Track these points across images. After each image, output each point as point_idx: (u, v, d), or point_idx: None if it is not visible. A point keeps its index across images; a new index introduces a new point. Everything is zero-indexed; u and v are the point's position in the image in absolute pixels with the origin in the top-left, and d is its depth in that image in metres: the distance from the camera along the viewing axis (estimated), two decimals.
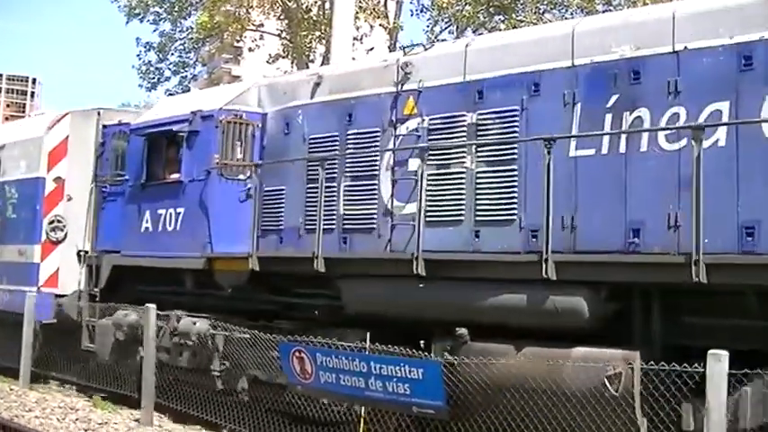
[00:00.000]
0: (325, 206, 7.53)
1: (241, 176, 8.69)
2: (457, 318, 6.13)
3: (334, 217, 7.60)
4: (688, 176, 5.14)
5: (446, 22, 21.15)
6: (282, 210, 8.14)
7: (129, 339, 9.23)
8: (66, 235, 11.10)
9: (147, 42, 23.46)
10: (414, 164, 6.99)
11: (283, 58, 23.03)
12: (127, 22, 23.34)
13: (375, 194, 7.30)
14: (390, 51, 19.00)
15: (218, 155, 8.53)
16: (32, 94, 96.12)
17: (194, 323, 8.25)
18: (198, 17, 22.11)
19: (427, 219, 6.76)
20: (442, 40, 20.24)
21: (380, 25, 21.41)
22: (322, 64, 19.54)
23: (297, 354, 6.80)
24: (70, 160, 11.22)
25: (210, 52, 25.04)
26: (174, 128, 8.85)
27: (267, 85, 8.95)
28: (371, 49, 21.31)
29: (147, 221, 9.27)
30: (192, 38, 23.26)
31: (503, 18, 19.45)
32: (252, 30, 22.88)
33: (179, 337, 8.43)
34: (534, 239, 6.03)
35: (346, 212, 7.50)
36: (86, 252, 10.76)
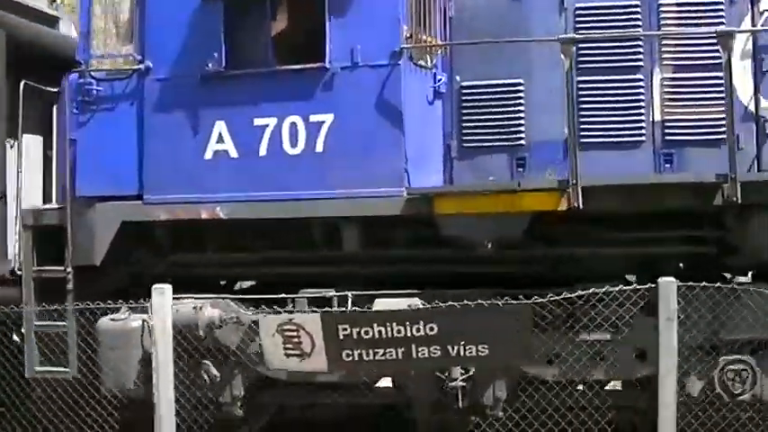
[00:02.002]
0: (618, 108, 6.98)
1: (422, 62, 7.37)
2: None
3: (638, 124, 7.01)
4: None
5: None
6: (522, 116, 7.18)
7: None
8: None
9: None
10: None
11: None
12: None
13: (722, 91, 6.90)
14: None
15: (408, 26, 7.11)
16: None
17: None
18: None
19: None
20: None
21: None
22: None
23: None
24: None
25: None
26: None
27: None
28: None
29: (221, 140, 7.25)
30: None
31: None
32: None
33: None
34: None
35: (668, 118, 6.97)
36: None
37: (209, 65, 7.24)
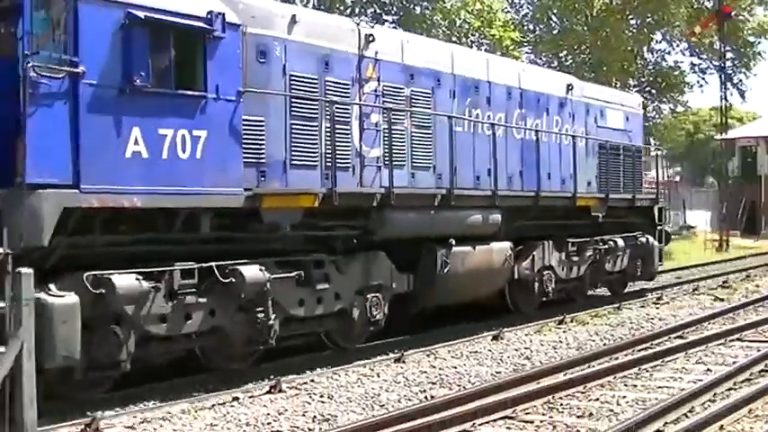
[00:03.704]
0: (310, 143, 11.94)
1: None
2: (451, 232, 13.35)
3: (316, 154, 11.98)
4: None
5: None
6: (264, 142, 11.34)
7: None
8: None
9: None
10: (375, 118, 12.90)
11: None
12: None
13: (349, 138, 12.45)
14: None
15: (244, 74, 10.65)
16: None
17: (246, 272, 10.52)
18: None
19: (385, 162, 12.99)
20: None
21: None
22: None
23: None
24: None
25: None
26: (195, 23, 10.16)
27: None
28: None
29: (137, 143, 9.61)
30: None
31: None
32: None
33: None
34: (440, 180, 13.84)
35: (327, 151, 12.09)
36: None
37: (137, 80, 9.48)
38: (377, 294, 12.74)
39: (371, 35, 13.09)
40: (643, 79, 49.33)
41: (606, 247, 17.44)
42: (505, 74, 15.80)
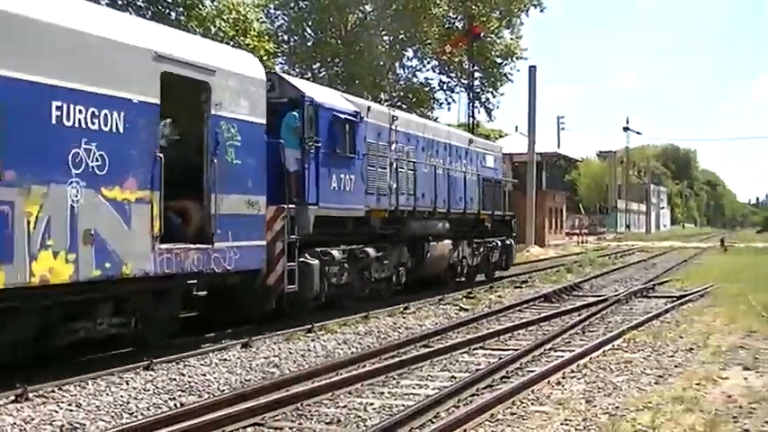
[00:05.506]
0: (381, 181, 21.57)
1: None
2: (430, 233, 23.38)
3: (374, 187, 21.54)
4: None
5: None
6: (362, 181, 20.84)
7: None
8: None
9: None
10: (395, 165, 22.61)
11: None
12: None
13: (387, 178, 22.07)
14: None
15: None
16: None
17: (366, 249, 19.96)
18: None
19: (401, 192, 22.80)
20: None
21: None
22: None
23: None
24: None
25: None
26: (353, 118, 19.38)
27: (346, 98, 20.56)
28: None
29: (334, 182, 18.94)
30: None
31: None
32: None
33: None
34: (418, 201, 23.80)
35: (380, 186, 21.66)
36: None
37: (337, 149, 18.80)
38: (402, 268, 22.60)
39: (395, 116, 22.93)
40: (394, 94, 54.74)
41: (491, 245, 28.20)
42: (443, 134, 26.14)
